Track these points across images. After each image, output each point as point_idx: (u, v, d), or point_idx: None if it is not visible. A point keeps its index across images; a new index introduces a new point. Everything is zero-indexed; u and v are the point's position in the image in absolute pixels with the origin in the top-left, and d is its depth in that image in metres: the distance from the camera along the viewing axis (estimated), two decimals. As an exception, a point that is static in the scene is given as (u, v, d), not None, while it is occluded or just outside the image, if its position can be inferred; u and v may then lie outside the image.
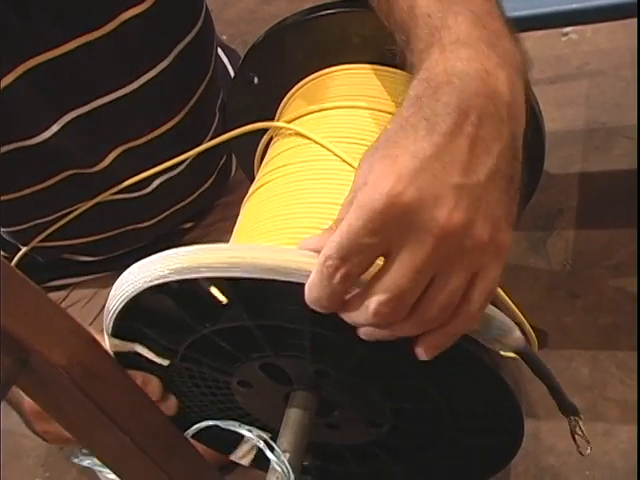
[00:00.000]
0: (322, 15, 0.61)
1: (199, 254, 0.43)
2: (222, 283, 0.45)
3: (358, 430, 0.56)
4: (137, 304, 0.48)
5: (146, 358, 0.52)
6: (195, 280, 0.44)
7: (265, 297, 0.46)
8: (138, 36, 0.67)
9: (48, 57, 0.64)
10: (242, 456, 0.53)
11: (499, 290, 0.55)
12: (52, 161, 0.71)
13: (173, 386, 0.58)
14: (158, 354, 0.53)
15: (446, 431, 0.53)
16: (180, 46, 0.72)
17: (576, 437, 0.52)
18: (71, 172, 0.73)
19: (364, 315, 0.39)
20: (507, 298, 0.57)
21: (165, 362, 0.53)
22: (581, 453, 0.53)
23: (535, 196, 0.74)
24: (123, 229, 0.82)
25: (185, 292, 0.46)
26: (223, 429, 0.58)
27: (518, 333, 0.44)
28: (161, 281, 0.45)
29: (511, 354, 0.45)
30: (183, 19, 0.73)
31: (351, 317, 0.40)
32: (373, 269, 0.39)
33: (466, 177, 0.37)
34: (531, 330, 0.57)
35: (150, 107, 0.73)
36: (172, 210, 0.83)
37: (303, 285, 0.40)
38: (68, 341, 0.36)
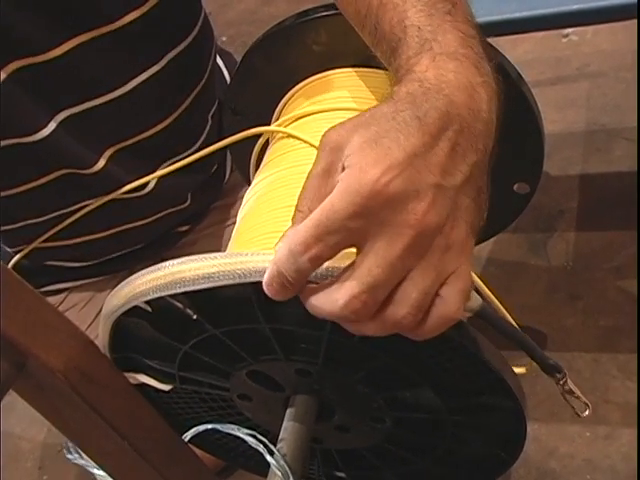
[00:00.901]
0: (320, 17, 0.61)
1: (138, 280, 0.45)
2: (181, 298, 0.46)
3: (365, 429, 0.56)
4: (119, 334, 0.49)
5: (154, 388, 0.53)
6: (160, 298, 0.45)
7: (218, 304, 0.47)
8: (133, 40, 0.68)
9: (43, 59, 0.65)
10: None
11: None
12: (47, 159, 0.72)
13: (187, 410, 0.59)
14: (160, 380, 0.53)
15: (448, 421, 0.53)
16: (174, 52, 0.73)
17: (569, 398, 0.51)
18: (65, 171, 0.73)
19: (332, 307, 0.39)
20: (496, 301, 0.56)
21: (167, 387, 0.54)
22: (578, 415, 0.52)
23: (536, 198, 0.74)
24: (116, 229, 0.82)
25: (156, 312, 0.48)
26: (223, 435, 0.58)
27: (473, 293, 0.43)
28: (124, 308, 0.46)
29: (468, 314, 0.44)
30: (179, 26, 0.74)
31: (317, 309, 0.40)
32: (345, 263, 0.39)
33: (443, 178, 0.39)
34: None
35: (140, 110, 0.74)
36: (166, 212, 0.83)
37: (250, 285, 0.41)
38: (66, 345, 0.36)
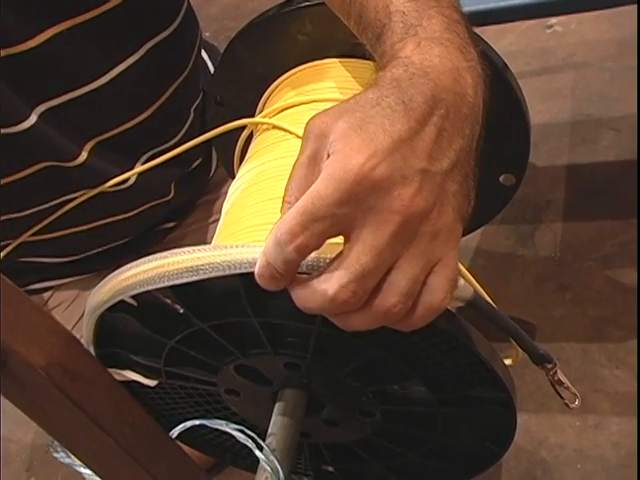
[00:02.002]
0: (305, 7, 0.60)
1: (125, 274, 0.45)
2: (168, 292, 0.46)
3: (354, 422, 0.55)
4: (103, 330, 0.49)
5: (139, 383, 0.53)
6: (146, 293, 0.44)
7: (206, 298, 0.46)
8: (111, 29, 0.68)
9: (20, 49, 0.64)
10: None
11: None
12: (29, 152, 0.71)
13: (173, 406, 0.59)
14: (145, 376, 0.53)
15: (438, 414, 0.53)
16: (153, 41, 0.72)
17: (559, 389, 0.51)
18: (47, 164, 0.72)
19: (320, 299, 0.38)
20: (484, 292, 0.56)
21: (152, 383, 0.54)
22: (568, 405, 0.52)
23: (522, 189, 0.74)
24: (98, 223, 0.81)
25: (142, 306, 0.47)
26: (211, 431, 0.58)
27: (462, 281, 0.43)
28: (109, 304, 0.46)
29: (459, 304, 0.44)
30: (159, 15, 0.73)
31: (305, 302, 0.39)
32: (332, 254, 0.39)
33: (430, 164, 0.38)
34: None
35: (120, 101, 0.73)
36: (148, 205, 0.83)
37: (239, 278, 0.40)
38: (47, 341, 0.35)
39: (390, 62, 0.42)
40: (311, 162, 0.39)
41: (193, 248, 0.43)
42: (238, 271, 0.41)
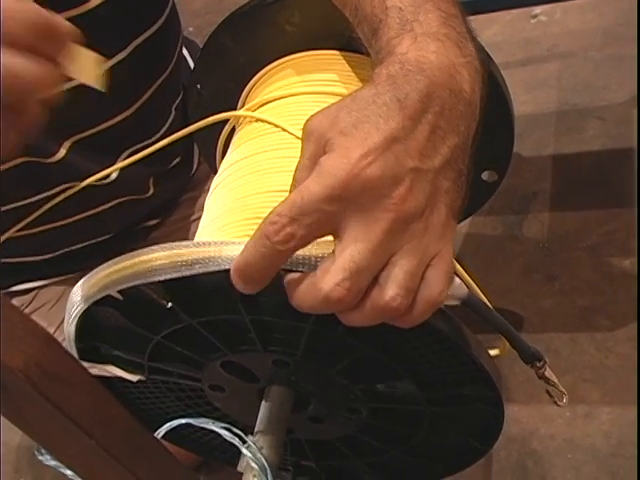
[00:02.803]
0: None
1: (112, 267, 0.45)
2: (155, 287, 0.45)
3: (340, 420, 0.55)
4: (86, 324, 0.49)
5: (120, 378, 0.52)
6: (133, 287, 0.44)
7: (196, 294, 0.46)
8: (100, 25, 0.66)
9: None
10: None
11: None
12: None
13: (153, 400, 0.58)
14: (128, 371, 0.53)
15: (425, 412, 0.52)
16: (140, 39, 0.71)
17: (549, 389, 0.51)
18: (25, 159, 0.71)
19: (315, 298, 0.38)
20: (473, 284, 0.56)
21: (135, 378, 0.53)
22: (556, 403, 0.52)
23: (509, 180, 0.74)
24: (76, 217, 0.80)
25: (128, 300, 0.47)
26: (197, 429, 0.57)
27: (458, 280, 0.43)
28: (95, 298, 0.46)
29: (455, 302, 0.44)
30: (146, 12, 0.72)
31: (299, 300, 0.39)
32: (328, 251, 0.39)
33: (422, 162, 0.39)
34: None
35: (102, 99, 0.71)
36: (125, 199, 0.82)
37: (222, 272, 0.40)
38: (24, 342, 0.34)
39: (386, 58, 0.42)
40: (312, 164, 0.39)
41: (187, 243, 0.42)
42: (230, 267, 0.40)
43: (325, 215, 0.37)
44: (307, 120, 0.41)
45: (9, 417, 0.37)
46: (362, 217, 0.38)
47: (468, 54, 0.43)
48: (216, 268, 0.41)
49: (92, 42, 0.67)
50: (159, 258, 0.42)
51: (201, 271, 0.41)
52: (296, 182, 0.40)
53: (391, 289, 0.38)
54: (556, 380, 0.51)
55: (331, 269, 0.38)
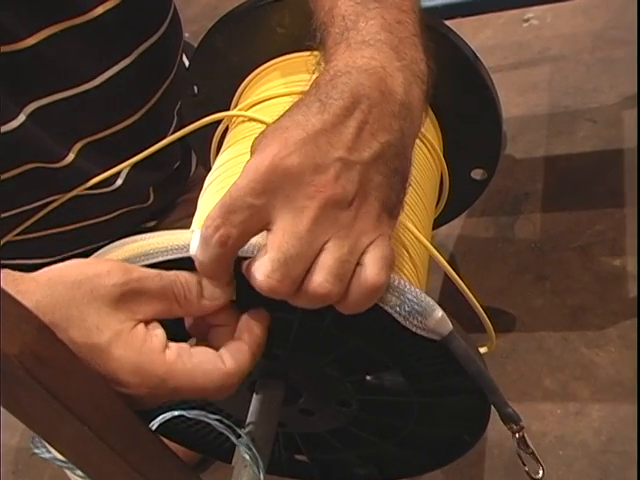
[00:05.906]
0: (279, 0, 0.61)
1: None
2: None
3: (331, 412, 0.55)
4: None
5: None
6: None
7: None
8: (106, 32, 0.67)
9: (14, 48, 0.63)
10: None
11: (457, 278, 0.54)
12: (16, 152, 0.70)
13: None
14: None
15: (414, 403, 0.53)
16: (144, 45, 0.72)
17: (523, 458, 0.49)
18: (33, 165, 0.72)
19: (258, 287, 0.40)
20: (462, 284, 0.56)
21: None
22: (531, 477, 0.50)
23: (501, 181, 0.75)
24: (80, 224, 0.81)
25: None
26: (191, 425, 0.58)
27: (440, 314, 0.43)
28: None
29: (435, 337, 0.44)
30: (150, 19, 0.73)
31: (256, 287, 0.41)
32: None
33: (349, 153, 0.40)
34: (491, 329, 0.55)
35: (110, 104, 0.73)
36: (127, 209, 0.83)
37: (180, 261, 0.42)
38: (19, 329, 0.35)
39: (323, 68, 0.44)
40: None
41: (141, 236, 0.45)
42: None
43: (254, 210, 0.39)
44: (254, 140, 0.42)
45: (5, 404, 0.38)
46: (289, 207, 0.39)
47: (404, 58, 0.44)
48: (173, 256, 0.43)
49: (97, 49, 0.68)
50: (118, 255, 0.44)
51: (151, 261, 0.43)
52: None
53: (319, 275, 0.39)
54: (533, 448, 0.49)
55: (262, 260, 0.39)
